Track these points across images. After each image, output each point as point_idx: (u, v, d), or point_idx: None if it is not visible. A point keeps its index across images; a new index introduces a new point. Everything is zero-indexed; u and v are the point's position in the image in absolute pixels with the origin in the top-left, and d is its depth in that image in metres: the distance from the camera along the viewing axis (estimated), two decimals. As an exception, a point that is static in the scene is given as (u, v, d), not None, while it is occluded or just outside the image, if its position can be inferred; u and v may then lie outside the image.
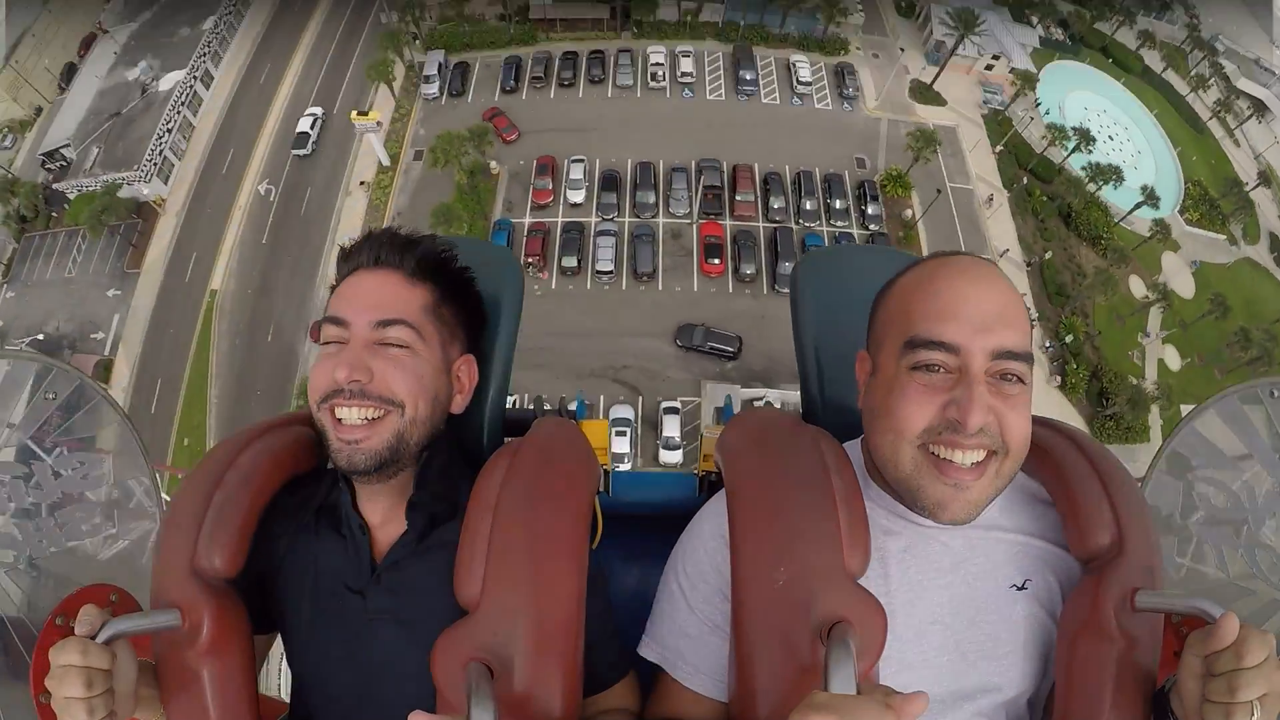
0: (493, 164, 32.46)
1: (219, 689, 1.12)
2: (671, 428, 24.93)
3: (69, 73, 37.60)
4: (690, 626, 1.22)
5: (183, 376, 26.81)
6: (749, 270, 29.79)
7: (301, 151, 33.65)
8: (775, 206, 31.69)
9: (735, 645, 1.08)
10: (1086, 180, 31.78)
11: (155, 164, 31.74)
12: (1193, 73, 41.48)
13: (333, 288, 1.24)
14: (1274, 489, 1.35)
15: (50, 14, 39.80)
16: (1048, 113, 35.28)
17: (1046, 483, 1.20)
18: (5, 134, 35.12)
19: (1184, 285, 30.56)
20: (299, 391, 23.58)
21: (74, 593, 1.16)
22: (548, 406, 1.74)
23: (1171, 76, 41.73)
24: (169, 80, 34.96)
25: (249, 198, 32.18)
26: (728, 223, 31.33)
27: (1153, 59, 41.84)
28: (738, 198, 31.84)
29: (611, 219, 31.83)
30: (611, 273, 29.77)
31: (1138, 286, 30.15)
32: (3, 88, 36.04)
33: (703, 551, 1.24)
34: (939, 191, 31.36)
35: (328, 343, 1.17)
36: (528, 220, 31.20)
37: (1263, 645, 0.91)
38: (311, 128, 34.09)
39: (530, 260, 29.64)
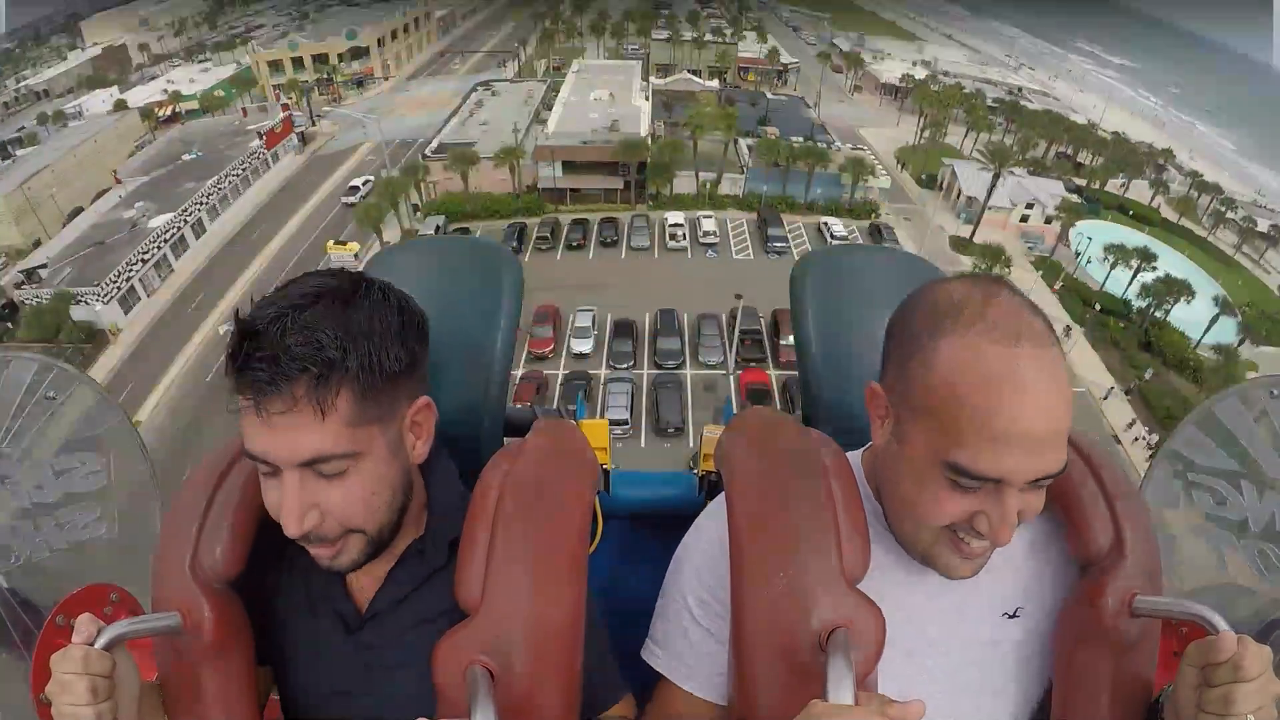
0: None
1: (221, 690, 1.14)
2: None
3: (75, 215, 40.10)
4: (692, 633, 1.25)
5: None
6: (808, 422, 27.60)
7: (350, 200, 37.49)
8: (828, 353, 30.20)
9: (734, 649, 1.11)
10: (1156, 298, 32.18)
11: (119, 288, 32.57)
12: (1203, 216, 45.24)
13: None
14: (1273, 489, 1.38)
15: (75, 157, 43.65)
16: (1089, 262, 36.67)
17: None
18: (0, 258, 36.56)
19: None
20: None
21: (75, 592, 1.20)
22: (548, 407, 1.74)
23: (1187, 223, 45.32)
24: (159, 220, 36.78)
25: (205, 338, 32.29)
26: (773, 372, 28.81)
27: (1167, 213, 45.32)
28: (783, 343, 29.29)
29: (627, 368, 28.88)
30: (627, 423, 26.40)
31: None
32: (11, 212, 38.42)
33: (701, 558, 1.27)
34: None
35: (260, 471, 1.08)
36: (520, 371, 28.45)
37: (1260, 659, 0.94)
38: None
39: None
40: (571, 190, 40.32)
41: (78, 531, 1.49)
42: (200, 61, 78.11)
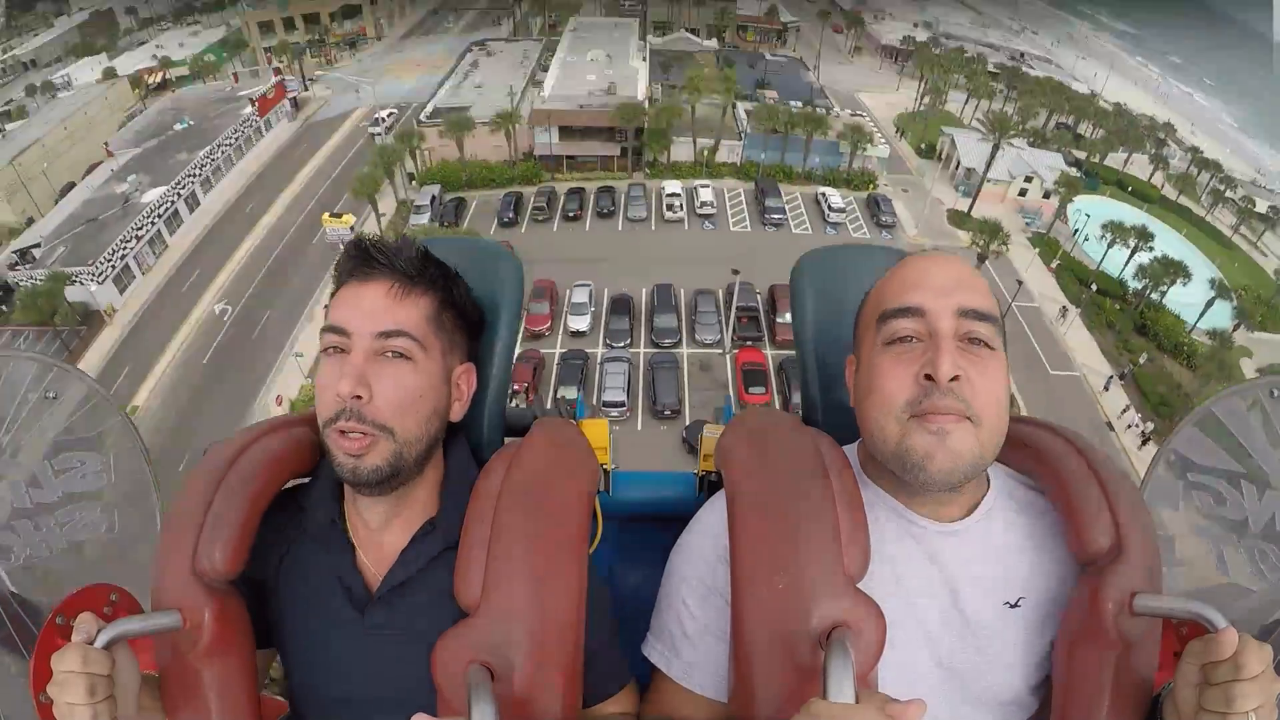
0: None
1: (220, 690, 1.15)
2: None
3: (68, 191, 40.15)
4: (688, 626, 1.27)
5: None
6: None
7: (375, 130, 41.09)
8: (826, 330, 29.56)
9: (734, 647, 1.12)
10: (1153, 280, 31.78)
11: (113, 266, 32.47)
12: (1202, 195, 45.21)
13: (333, 293, 1.28)
14: (1274, 489, 1.39)
15: (65, 130, 43.38)
16: (1086, 239, 36.44)
17: (1045, 485, 1.24)
18: (-9, 236, 36.44)
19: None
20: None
21: (75, 592, 1.20)
22: (548, 407, 1.77)
23: (1186, 201, 45.05)
24: (152, 194, 36.61)
25: (202, 315, 32.13)
26: (770, 351, 29.16)
27: (1166, 189, 45.25)
28: (779, 320, 29.23)
29: (623, 347, 28.93)
30: (623, 405, 26.60)
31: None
32: (3, 189, 38.51)
33: (698, 552, 1.29)
34: (1019, 283, 30.85)
35: (329, 349, 1.22)
36: (518, 350, 27.57)
37: (1261, 657, 0.95)
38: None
39: (516, 391, 25.88)
40: (568, 157, 40.21)
41: (78, 531, 1.49)
42: (189, 25, 76.62)
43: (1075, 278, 34.88)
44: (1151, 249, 33.42)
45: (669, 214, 36.56)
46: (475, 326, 1.40)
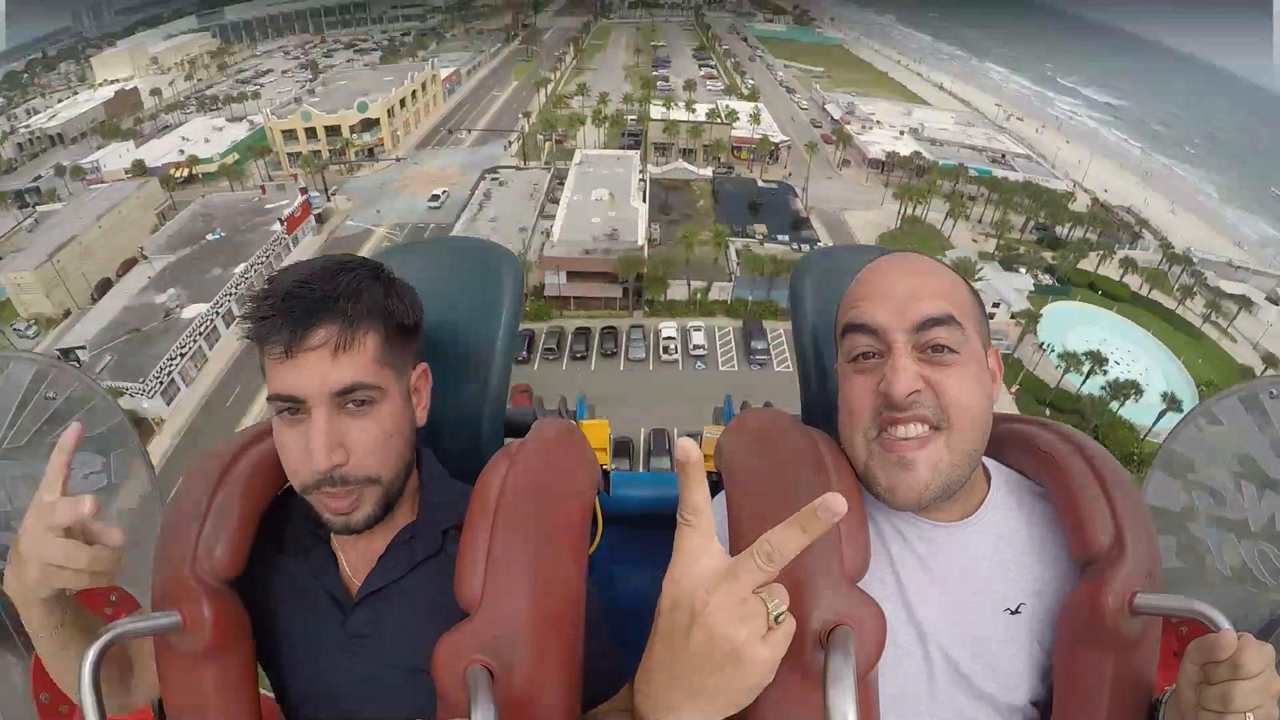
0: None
1: (220, 690, 1.13)
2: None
3: (104, 288, 41.54)
4: None
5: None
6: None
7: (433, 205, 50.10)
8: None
9: None
10: (1108, 399, 32.61)
11: (161, 383, 33.11)
12: (1175, 286, 45.87)
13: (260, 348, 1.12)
14: (1273, 489, 1.37)
15: (100, 228, 44.57)
16: (1052, 350, 37.17)
17: (1046, 484, 1.22)
18: (31, 325, 38.54)
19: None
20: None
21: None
22: (548, 407, 1.74)
23: (1158, 295, 45.88)
24: (192, 310, 37.61)
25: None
26: None
27: (1136, 283, 46.30)
28: None
29: None
30: None
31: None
32: (40, 282, 39.68)
33: None
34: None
35: (283, 411, 1.11)
36: None
37: (1260, 657, 0.92)
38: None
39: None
40: (575, 298, 41.51)
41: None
42: (212, 113, 77.95)
43: (1035, 399, 34.91)
44: (1106, 371, 34.26)
45: (665, 355, 37.99)
46: (418, 323, 1.27)
